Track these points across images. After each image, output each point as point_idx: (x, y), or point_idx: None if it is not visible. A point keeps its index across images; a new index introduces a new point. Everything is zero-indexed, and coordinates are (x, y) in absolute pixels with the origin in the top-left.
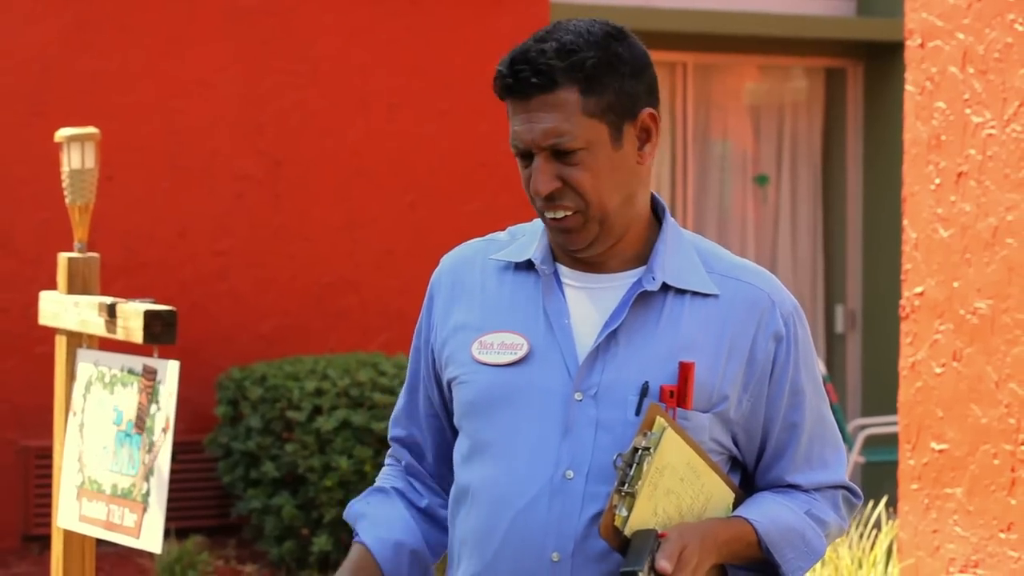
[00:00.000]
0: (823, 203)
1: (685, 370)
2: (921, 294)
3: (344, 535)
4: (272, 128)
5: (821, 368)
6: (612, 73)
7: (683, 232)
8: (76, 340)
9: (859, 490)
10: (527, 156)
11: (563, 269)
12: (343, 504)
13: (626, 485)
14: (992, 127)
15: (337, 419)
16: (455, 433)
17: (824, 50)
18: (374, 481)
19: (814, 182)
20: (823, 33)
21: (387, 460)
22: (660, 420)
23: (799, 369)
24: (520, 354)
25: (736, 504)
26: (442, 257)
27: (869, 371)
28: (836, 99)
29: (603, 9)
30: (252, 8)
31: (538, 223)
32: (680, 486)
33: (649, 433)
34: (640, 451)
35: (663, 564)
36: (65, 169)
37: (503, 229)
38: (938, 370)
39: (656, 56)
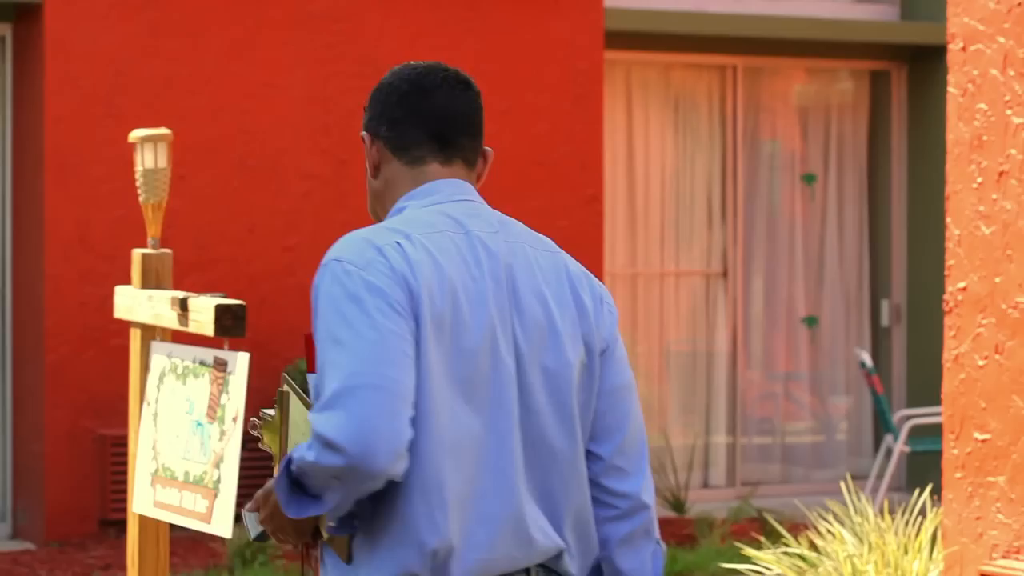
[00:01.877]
0: (869, 201)
1: (307, 340)
2: (964, 289)
3: None
4: (337, 128)
5: (866, 358)
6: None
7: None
8: (150, 333)
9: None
10: None
11: None
12: None
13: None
14: None
15: None
16: None
17: (869, 53)
18: None
19: (860, 181)
20: (868, 37)
21: None
22: (285, 386)
23: (315, 320)
24: None
25: None
26: None
27: (914, 363)
28: (881, 101)
29: (656, 14)
30: (318, 13)
31: None
32: (300, 436)
33: (281, 392)
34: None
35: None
36: (139, 169)
37: (559, 226)
38: (980, 362)
39: (707, 59)
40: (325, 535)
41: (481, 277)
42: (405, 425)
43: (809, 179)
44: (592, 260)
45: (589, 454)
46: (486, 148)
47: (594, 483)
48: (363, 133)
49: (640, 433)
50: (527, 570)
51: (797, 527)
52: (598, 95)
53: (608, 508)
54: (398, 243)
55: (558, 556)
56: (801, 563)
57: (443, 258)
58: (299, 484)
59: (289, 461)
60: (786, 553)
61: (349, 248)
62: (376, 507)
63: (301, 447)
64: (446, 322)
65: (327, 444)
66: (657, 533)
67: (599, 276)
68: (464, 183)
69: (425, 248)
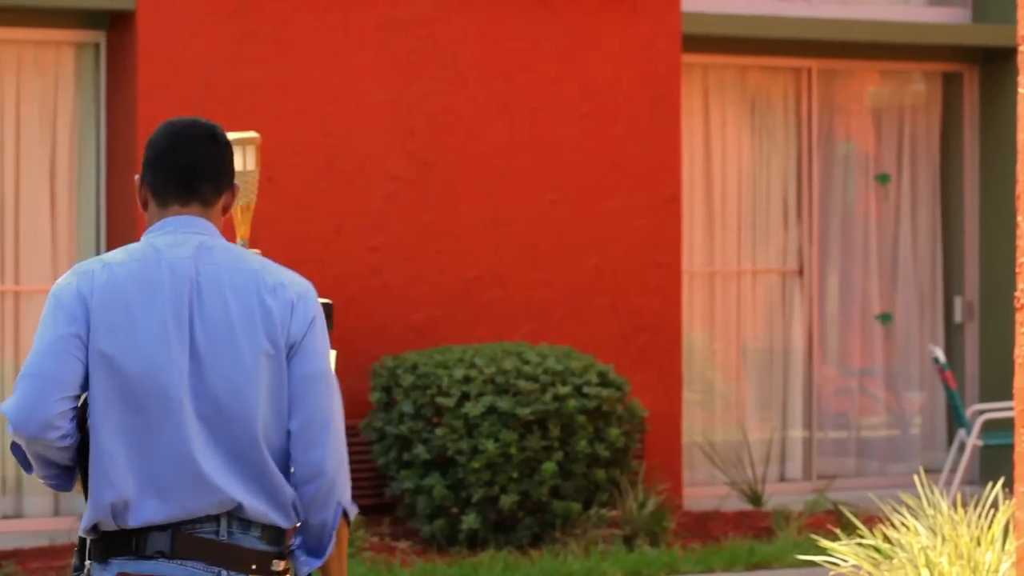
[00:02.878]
0: (941, 200)
1: None
2: None
3: (491, 513)
4: (421, 131)
5: (939, 354)
6: None
7: None
8: None
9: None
10: None
11: None
12: (490, 485)
13: None
14: None
15: (484, 405)
16: None
17: (942, 56)
18: (520, 463)
19: (933, 180)
20: (941, 39)
21: None
22: None
23: None
24: None
25: None
26: None
27: (986, 359)
28: (953, 102)
29: (733, 18)
30: (402, 19)
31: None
32: None
33: None
34: None
35: None
36: None
37: (637, 225)
38: None
39: (782, 62)
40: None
41: (160, 292)
42: (55, 403)
43: (883, 179)
44: (670, 259)
45: (288, 430)
46: (235, 184)
47: (290, 453)
48: (135, 176)
49: (325, 413)
50: (216, 518)
51: (872, 520)
52: (676, 97)
53: (298, 473)
54: (92, 271)
55: (240, 507)
56: (876, 555)
57: (126, 279)
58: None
59: None
60: (861, 545)
61: (65, 275)
62: (83, 475)
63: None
64: (120, 327)
65: (6, 417)
66: (340, 496)
67: (677, 274)
68: (192, 218)
69: (112, 272)
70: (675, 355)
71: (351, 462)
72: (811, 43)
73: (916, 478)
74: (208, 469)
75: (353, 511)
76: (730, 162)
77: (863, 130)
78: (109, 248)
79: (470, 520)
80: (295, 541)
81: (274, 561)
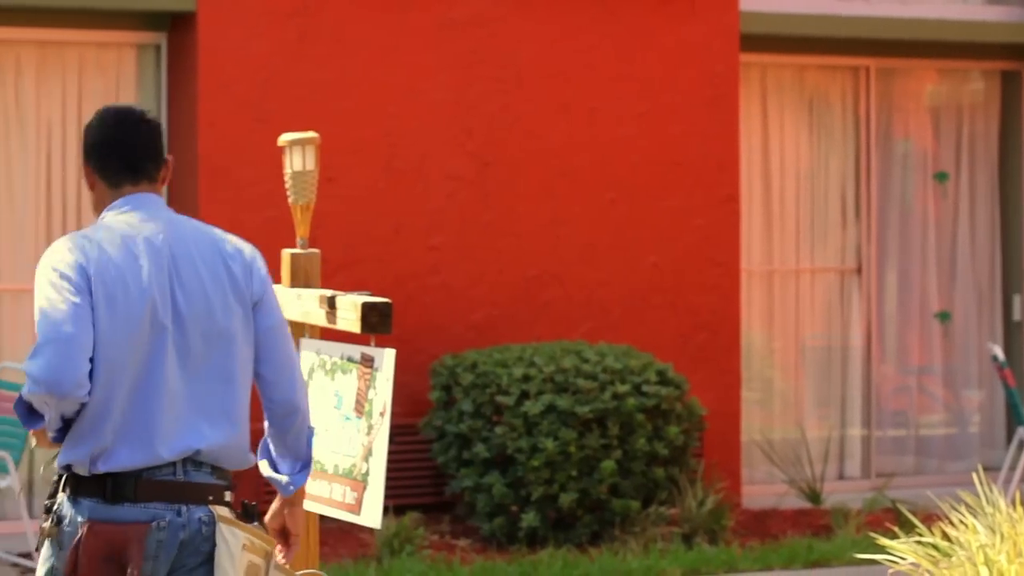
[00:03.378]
0: (1000, 198)
1: None
2: None
3: (551, 511)
4: (480, 131)
5: (998, 352)
6: None
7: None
8: (299, 330)
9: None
10: None
11: None
12: (550, 483)
13: None
14: None
15: (543, 403)
16: None
17: (1000, 54)
18: (579, 461)
19: (991, 178)
20: (998, 38)
21: None
22: None
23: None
24: None
25: None
26: None
27: None
28: (1011, 100)
29: (791, 17)
30: (461, 19)
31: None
32: None
33: None
34: None
35: None
36: (288, 171)
37: (695, 225)
38: None
39: (840, 61)
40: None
41: (144, 264)
42: (83, 363)
43: (941, 177)
44: (729, 258)
45: (258, 375)
46: (168, 157)
47: (263, 395)
48: (83, 160)
49: (289, 357)
50: (173, 463)
51: (930, 518)
52: (734, 97)
53: (275, 411)
54: (84, 246)
55: (198, 452)
56: (935, 553)
57: (114, 252)
58: (34, 408)
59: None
60: (920, 543)
61: (56, 248)
62: (72, 422)
63: (26, 384)
64: (117, 297)
65: (33, 380)
66: (310, 422)
67: (735, 273)
68: (148, 195)
69: (102, 248)
70: (734, 353)
71: (410, 460)
72: (869, 42)
73: (975, 476)
74: (180, 422)
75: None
76: (788, 161)
77: (921, 129)
78: None
79: (529, 518)
80: (283, 466)
81: (226, 492)
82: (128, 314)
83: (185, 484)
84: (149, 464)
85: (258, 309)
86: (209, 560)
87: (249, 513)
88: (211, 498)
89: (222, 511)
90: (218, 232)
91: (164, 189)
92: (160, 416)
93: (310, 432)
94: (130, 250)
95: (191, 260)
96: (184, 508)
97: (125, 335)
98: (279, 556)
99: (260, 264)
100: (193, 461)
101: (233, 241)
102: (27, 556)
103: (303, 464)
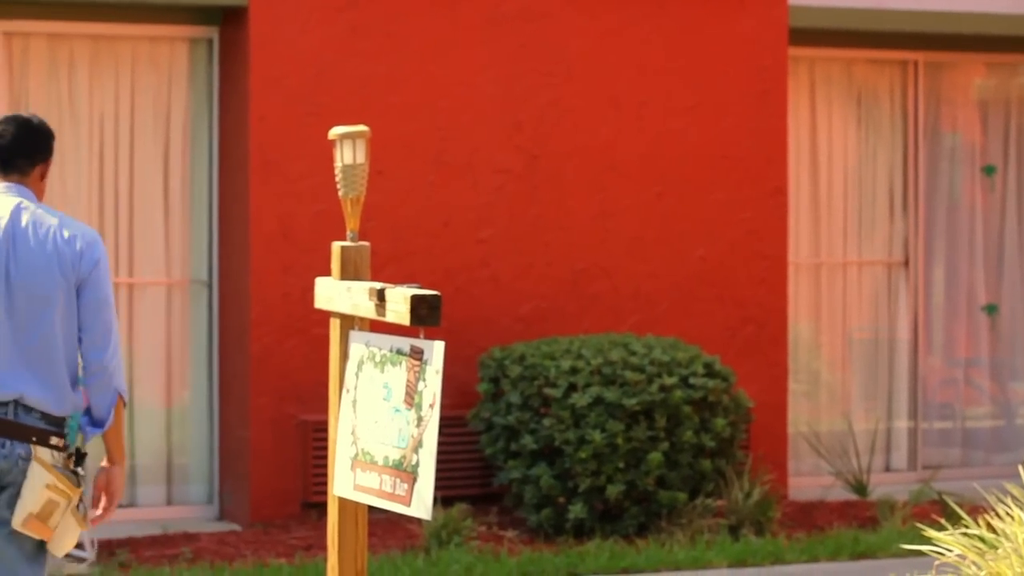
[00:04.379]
0: None
1: None
2: None
3: (598, 503)
4: (529, 125)
5: None
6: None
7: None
8: (349, 322)
9: None
10: None
11: None
12: (597, 475)
13: None
14: None
15: (591, 395)
16: None
17: None
18: (626, 453)
19: None
20: None
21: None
22: None
23: None
24: None
25: None
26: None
27: None
28: None
29: (839, 11)
30: (510, 14)
31: None
32: None
33: None
34: None
35: None
36: (338, 165)
37: (743, 217)
38: None
39: (889, 55)
40: None
41: None
42: None
43: (989, 170)
44: (776, 251)
45: (80, 339)
46: (49, 156)
47: (82, 355)
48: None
49: (107, 326)
50: (6, 404)
51: (977, 510)
52: (782, 91)
53: (87, 368)
54: None
55: (23, 396)
56: (981, 544)
57: None
58: None
59: None
60: (966, 535)
61: None
62: None
63: None
64: None
65: None
66: (117, 383)
67: (783, 266)
68: (13, 185)
69: None
70: (781, 346)
71: (458, 452)
72: (917, 36)
73: (1021, 468)
74: (7, 369)
75: (126, 395)
76: (836, 154)
77: (969, 122)
78: (221, 242)
79: (577, 510)
80: (83, 420)
81: (52, 437)
82: None
83: (13, 423)
84: None
85: (84, 285)
86: (17, 489)
87: (79, 457)
88: (34, 439)
89: (42, 452)
90: (64, 221)
91: (42, 182)
92: None
93: (114, 396)
94: None
95: (26, 238)
96: (9, 443)
97: None
98: (77, 503)
99: (95, 250)
100: (23, 405)
101: (75, 229)
102: (79, 546)
103: (100, 421)
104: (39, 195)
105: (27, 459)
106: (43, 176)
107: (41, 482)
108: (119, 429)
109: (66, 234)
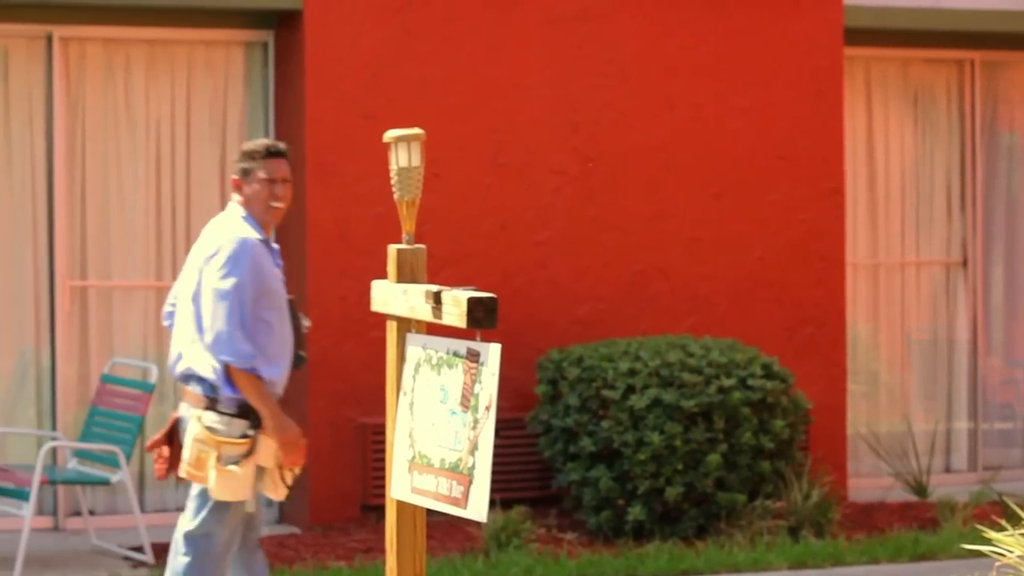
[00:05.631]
0: None
1: None
2: None
3: (657, 505)
4: (586, 127)
5: None
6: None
7: None
8: (405, 325)
9: None
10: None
11: None
12: (655, 477)
13: None
14: None
15: (649, 397)
16: None
17: None
18: (685, 455)
19: None
20: None
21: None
22: None
23: None
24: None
25: None
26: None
27: None
28: None
29: (894, 11)
30: (565, 16)
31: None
32: None
33: None
34: None
35: None
36: (393, 167)
37: (800, 218)
38: None
39: (945, 54)
40: None
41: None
42: None
43: None
44: (833, 250)
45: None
46: (235, 173)
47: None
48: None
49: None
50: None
51: None
52: (838, 91)
53: None
54: None
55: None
56: None
57: None
58: None
59: None
60: None
61: None
62: None
63: None
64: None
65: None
66: (220, 358)
67: (840, 267)
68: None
69: None
70: (839, 347)
71: (517, 454)
72: (973, 35)
73: None
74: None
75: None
76: (893, 154)
77: None
78: (280, 250)
79: (636, 511)
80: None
81: (208, 399)
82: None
83: (184, 391)
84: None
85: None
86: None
87: (243, 413)
88: (204, 406)
89: (206, 415)
90: (219, 235)
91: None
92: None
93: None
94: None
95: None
96: (185, 405)
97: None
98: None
99: (217, 257)
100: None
101: (215, 238)
102: (139, 550)
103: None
104: (242, 204)
105: (188, 418)
106: (235, 188)
107: (191, 434)
108: (247, 395)
109: (209, 246)
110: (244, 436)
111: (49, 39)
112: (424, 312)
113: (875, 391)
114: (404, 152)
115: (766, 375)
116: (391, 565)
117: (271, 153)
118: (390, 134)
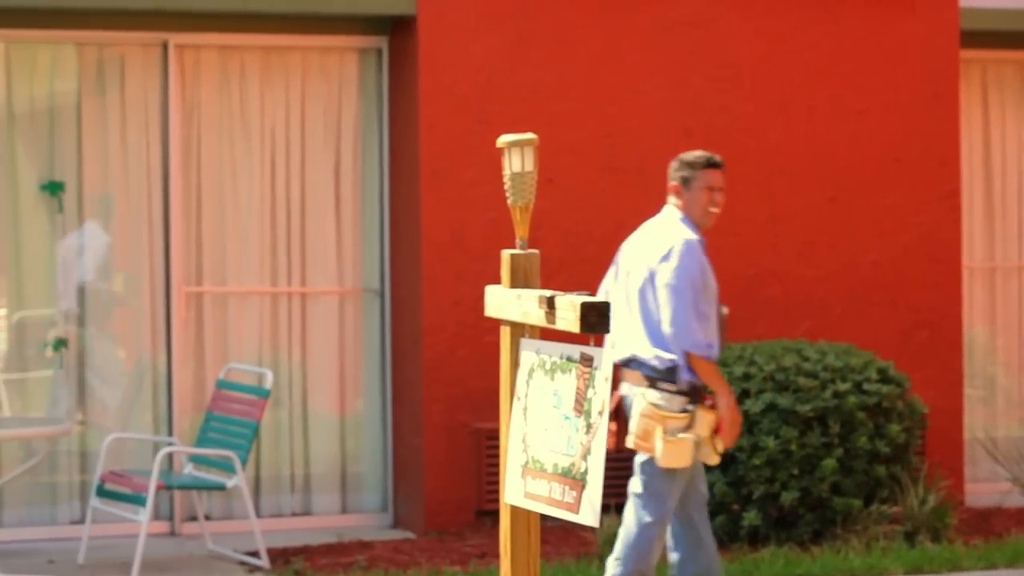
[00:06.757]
0: None
1: None
2: None
3: (772, 510)
4: (699, 131)
5: None
6: None
7: None
8: (519, 330)
9: None
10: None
11: None
12: (771, 481)
13: None
14: None
15: (764, 402)
16: None
17: None
18: (800, 460)
19: None
20: None
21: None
22: None
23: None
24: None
25: None
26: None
27: None
28: None
29: (1012, 13)
30: (679, 20)
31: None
32: None
33: None
34: None
35: None
36: (507, 172)
37: (916, 221)
38: None
39: None
40: None
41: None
42: None
43: None
44: (950, 254)
45: None
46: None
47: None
48: None
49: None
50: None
51: None
52: (954, 94)
53: None
54: None
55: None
56: None
57: None
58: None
59: None
60: None
61: None
62: None
63: None
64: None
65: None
66: (682, 346)
67: (957, 270)
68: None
69: None
70: (956, 351)
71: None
72: None
73: None
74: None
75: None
76: (1010, 157)
77: None
78: (393, 251)
79: (751, 516)
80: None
81: (648, 379)
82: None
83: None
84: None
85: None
86: None
87: (694, 393)
88: (647, 384)
89: (649, 392)
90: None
91: None
92: None
93: (680, 353)
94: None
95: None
96: (628, 385)
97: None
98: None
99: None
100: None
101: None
102: (254, 554)
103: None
104: (680, 208)
105: (633, 396)
106: (674, 193)
107: (639, 408)
108: (702, 376)
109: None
110: (684, 411)
111: (165, 47)
112: (537, 317)
113: (992, 395)
114: (517, 157)
115: (882, 379)
116: (505, 570)
117: (710, 164)
118: (503, 139)
